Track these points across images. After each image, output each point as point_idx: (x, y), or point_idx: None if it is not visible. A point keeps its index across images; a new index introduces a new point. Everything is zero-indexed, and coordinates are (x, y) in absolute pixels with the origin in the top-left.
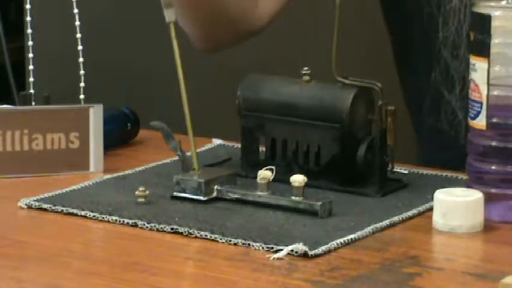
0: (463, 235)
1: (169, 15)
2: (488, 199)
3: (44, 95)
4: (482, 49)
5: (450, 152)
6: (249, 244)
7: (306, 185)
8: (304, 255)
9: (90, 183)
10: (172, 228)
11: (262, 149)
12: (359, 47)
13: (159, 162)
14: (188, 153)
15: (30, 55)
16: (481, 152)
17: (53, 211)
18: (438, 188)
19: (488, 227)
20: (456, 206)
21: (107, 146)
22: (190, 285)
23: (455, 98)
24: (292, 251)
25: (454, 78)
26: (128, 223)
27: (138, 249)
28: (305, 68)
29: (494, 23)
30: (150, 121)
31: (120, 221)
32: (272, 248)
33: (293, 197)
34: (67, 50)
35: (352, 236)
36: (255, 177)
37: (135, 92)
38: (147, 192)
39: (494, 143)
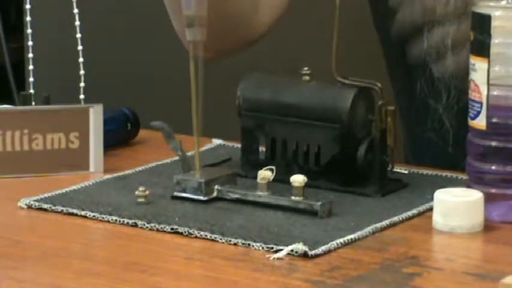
0: (463, 235)
1: (190, 34)
2: (488, 199)
3: (44, 95)
4: (482, 49)
5: (438, 160)
6: (249, 244)
7: (306, 185)
8: (304, 255)
9: (90, 183)
10: (172, 228)
11: (262, 149)
12: (359, 47)
13: (159, 162)
14: (188, 153)
15: (30, 55)
16: (481, 152)
17: (53, 211)
18: (438, 188)
19: (488, 227)
20: (456, 206)
21: (107, 146)
22: (190, 285)
23: (442, 107)
24: (292, 251)
25: (440, 87)
26: (127, 223)
27: (138, 249)
28: (305, 68)
29: (494, 23)
30: (150, 121)
31: (120, 221)
32: (272, 248)
33: (293, 197)
34: (67, 50)
35: (352, 236)
36: (255, 177)
37: (135, 92)
38: (147, 192)
39: (494, 143)
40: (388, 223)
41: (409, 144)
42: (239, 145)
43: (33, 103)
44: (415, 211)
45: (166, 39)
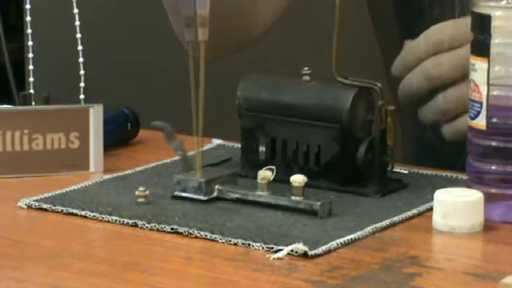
0: (463, 235)
1: (189, 34)
2: (488, 199)
3: (44, 95)
4: (482, 49)
5: (435, 160)
6: (249, 244)
7: (306, 185)
8: (304, 255)
9: (90, 183)
10: (172, 228)
11: (262, 149)
12: (359, 47)
13: (159, 162)
14: (189, 153)
15: (30, 55)
16: (481, 152)
17: (53, 211)
18: (438, 188)
19: (488, 227)
20: (456, 206)
21: (107, 146)
22: (190, 285)
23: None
24: (292, 251)
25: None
26: (127, 223)
27: (138, 249)
28: (305, 68)
29: (494, 23)
30: (150, 121)
31: (120, 221)
32: (272, 248)
33: (293, 197)
34: (67, 50)
35: (352, 236)
36: (255, 177)
37: (135, 92)
38: (147, 192)
39: (494, 143)
40: (388, 223)
41: (407, 144)
42: (239, 145)
43: (33, 103)
44: (415, 211)
45: (167, 39)
